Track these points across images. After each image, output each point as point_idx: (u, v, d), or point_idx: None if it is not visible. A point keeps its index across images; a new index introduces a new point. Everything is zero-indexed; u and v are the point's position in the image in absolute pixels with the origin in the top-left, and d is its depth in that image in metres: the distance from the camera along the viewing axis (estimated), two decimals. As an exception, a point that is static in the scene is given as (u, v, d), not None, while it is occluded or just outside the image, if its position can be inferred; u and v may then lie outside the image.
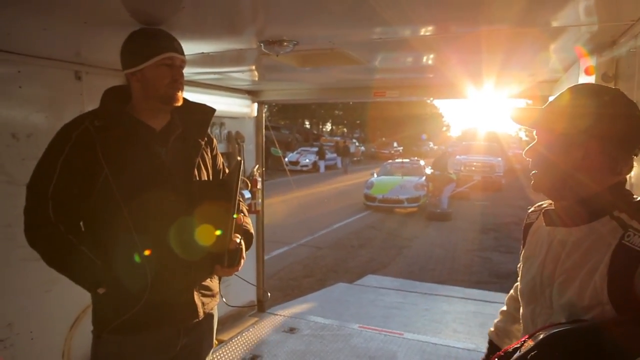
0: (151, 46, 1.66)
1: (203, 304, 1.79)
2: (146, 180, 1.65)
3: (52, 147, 1.65)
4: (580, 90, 1.21)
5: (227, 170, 1.97)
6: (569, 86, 1.21)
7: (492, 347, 1.58)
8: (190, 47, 2.38)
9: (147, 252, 1.62)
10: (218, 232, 1.64)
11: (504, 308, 1.59)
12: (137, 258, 1.62)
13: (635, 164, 1.15)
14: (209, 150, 1.88)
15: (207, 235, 1.64)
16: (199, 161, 1.79)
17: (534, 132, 1.23)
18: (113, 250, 1.65)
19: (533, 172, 1.22)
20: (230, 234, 1.66)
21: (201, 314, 1.78)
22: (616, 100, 1.12)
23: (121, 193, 1.60)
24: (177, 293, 1.71)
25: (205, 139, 1.86)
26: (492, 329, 1.61)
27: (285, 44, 2.11)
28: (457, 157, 21.89)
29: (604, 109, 1.10)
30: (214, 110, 1.89)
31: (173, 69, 1.68)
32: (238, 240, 1.70)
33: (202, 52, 2.45)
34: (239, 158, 1.88)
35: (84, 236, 1.69)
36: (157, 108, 1.73)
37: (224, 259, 1.67)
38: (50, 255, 1.64)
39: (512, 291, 1.58)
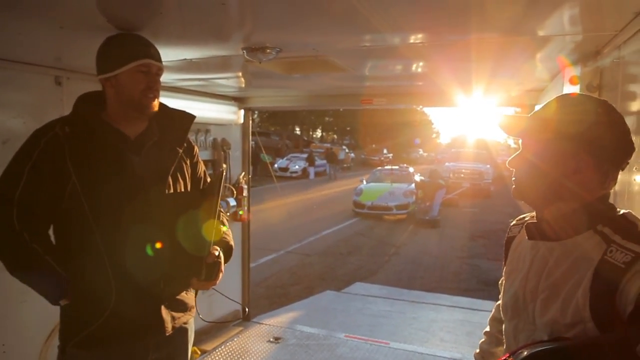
0: (127, 52, 1.61)
1: (173, 318, 1.72)
2: (115, 190, 1.59)
3: (20, 152, 1.59)
4: (570, 100, 1.19)
5: (208, 179, 1.91)
6: (556, 95, 1.19)
7: None
8: (173, 54, 2.35)
9: (113, 264, 1.57)
10: (194, 245, 1.59)
11: (488, 329, 1.56)
12: (102, 269, 1.57)
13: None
14: (188, 159, 1.82)
15: (180, 248, 1.59)
16: (174, 170, 1.73)
17: (520, 141, 1.20)
18: (79, 261, 1.59)
19: (514, 178, 1.20)
20: (209, 246, 1.61)
21: (169, 329, 1.70)
22: (608, 112, 1.10)
23: (89, 203, 1.54)
24: (142, 306, 1.64)
25: (185, 146, 1.80)
26: (477, 350, 1.58)
27: (268, 50, 2.07)
28: (446, 164, 22.01)
29: (596, 121, 1.08)
30: (193, 116, 1.84)
31: (149, 76, 1.64)
32: (217, 253, 1.65)
33: (185, 59, 2.41)
34: (223, 167, 1.83)
35: (50, 246, 1.64)
36: (132, 115, 1.67)
37: (201, 272, 1.61)
38: (13, 264, 1.58)
39: (493, 311, 1.55)
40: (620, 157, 1.10)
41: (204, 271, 1.61)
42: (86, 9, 1.56)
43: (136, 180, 1.63)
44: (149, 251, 1.60)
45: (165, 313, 1.69)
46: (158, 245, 1.61)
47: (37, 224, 1.60)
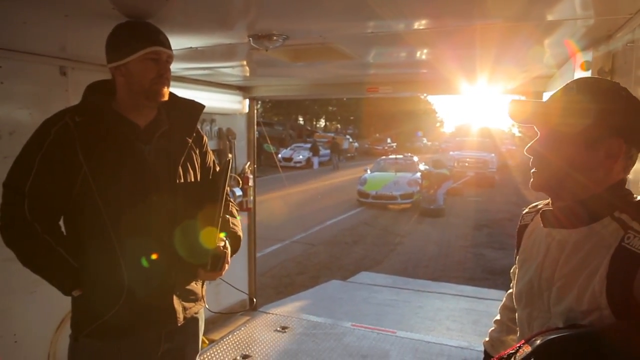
0: (136, 39, 1.59)
1: (184, 308, 1.73)
2: (127, 180, 1.58)
3: (31, 142, 1.58)
4: (588, 85, 1.14)
5: (217, 168, 1.90)
6: (565, 82, 1.15)
7: (487, 358, 1.54)
8: (178, 42, 2.32)
9: (125, 254, 1.57)
10: (202, 236, 1.58)
11: (498, 317, 1.55)
12: (115, 260, 1.56)
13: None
14: (197, 148, 1.81)
15: (191, 238, 1.59)
16: (184, 160, 1.72)
17: (535, 128, 1.16)
18: (91, 251, 1.59)
19: (533, 170, 1.16)
20: (215, 237, 1.60)
21: (181, 319, 1.71)
22: (630, 95, 1.07)
23: (100, 192, 1.54)
24: (155, 297, 1.64)
25: (194, 135, 1.79)
26: (487, 339, 1.56)
27: (274, 38, 2.05)
28: (451, 153, 21.92)
29: (621, 104, 1.05)
30: (203, 106, 1.83)
31: (159, 64, 1.62)
32: (223, 244, 1.65)
33: (191, 47, 2.39)
34: (229, 157, 1.81)
35: (62, 236, 1.63)
36: (142, 104, 1.66)
37: (207, 263, 1.61)
38: (25, 255, 1.58)
39: (504, 300, 1.54)
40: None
41: (209, 262, 1.61)
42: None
43: (147, 170, 1.62)
44: (161, 241, 1.60)
45: (177, 303, 1.69)
46: (169, 235, 1.60)
47: (49, 214, 1.60)
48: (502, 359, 1.08)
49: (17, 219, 1.54)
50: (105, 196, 1.54)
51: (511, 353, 1.06)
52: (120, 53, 1.59)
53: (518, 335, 1.28)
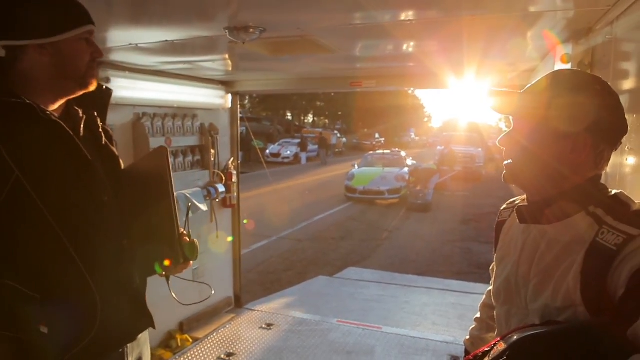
0: (73, 13, 1.33)
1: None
2: (72, 181, 1.35)
3: None
4: (565, 77, 1.14)
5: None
6: (548, 72, 1.14)
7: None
8: (154, 35, 2.27)
9: (91, 269, 1.33)
10: (159, 228, 1.49)
11: (478, 315, 1.54)
12: (82, 280, 1.32)
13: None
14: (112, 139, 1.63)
15: (146, 233, 1.50)
16: (113, 151, 1.55)
17: (511, 119, 1.15)
18: (47, 275, 1.30)
19: (507, 162, 1.15)
20: (178, 227, 1.49)
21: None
22: (604, 90, 1.06)
23: (44, 201, 1.25)
24: (130, 307, 1.50)
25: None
26: (467, 337, 1.55)
27: (251, 30, 2.01)
28: (438, 147, 21.99)
29: (594, 99, 1.03)
30: (111, 90, 1.63)
31: (91, 45, 1.38)
32: (185, 232, 1.55)
33: (167, 40, 2.34)
34: (164, 144, 1.64)
35: (1, 265, 1.26)
36: (65, 92, 1.39)
37: (178, 256, 1.48)
38: None
39: (484, 297, 1.52)
40: (616, 137, 1.07)
41: (181, 253, 1.48)
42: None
43: (91, 168, 1.40)
44: (121, 245, 1.46)
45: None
46: (127, 235, 1.48)
47: None
48: (477, 356, 1.06)
49: None
50: (52, 205, 1.27)
51: (486, 351, 1.05)
52: (51, 27, 1.29)
53: (496, 332, 1.26)
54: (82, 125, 1.44)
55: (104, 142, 1.52)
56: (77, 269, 1.31)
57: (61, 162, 1.33)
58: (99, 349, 1.38)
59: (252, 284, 6.60)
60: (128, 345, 1.53)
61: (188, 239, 1.53)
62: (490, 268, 1.37)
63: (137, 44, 2.43)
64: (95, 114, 1.54)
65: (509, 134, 1.15)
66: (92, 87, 1.41)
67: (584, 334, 0.93)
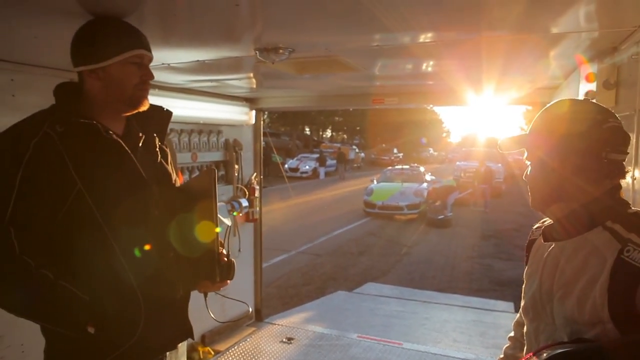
0: (120, 40, 1.43)
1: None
2: (127, 196, 1.45)
3: (2, 160, 1.32)
4: (567, 104, 1.21)
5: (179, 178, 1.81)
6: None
7: None
8: (185, 55, 2.36)
9: (137, 277, 1.44)
10: (197, 245, 1.57)
11: (512, 334, 1.55)
12: (129, 287, 1.43)
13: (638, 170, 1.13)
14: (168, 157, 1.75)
15: (198, 249, 1.59)
16: (169, 171, 1.66)
17: (524, 157, 1.24)
18: (97, 280, 1.40)
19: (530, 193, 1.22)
20: (218, 246, 1.58)
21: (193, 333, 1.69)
22: (601, 110, 1.14)
23: (101, 212, 1.37)
24: (171, 317, 1.58)
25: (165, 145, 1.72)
26: (501, 355, 1.57)
27: (280, 51, 2.08)
28: (457, 163, 21.83)
29: (593, 117, 1.11)
30: (171, 113, 1.73)
31: (142, 69, 1.48)
32: (225, 252, 1.63)
33: (198, 60, 2.42)
34: (212, 166, 1.76)
35: (58, 268, 1.36)
36: (119, 111, 1.51)
37: (214, 275, 1.58)
38: (21, 302, 1.31)
39: (517, 316, 1.54)
40: (620, 145, 1.11)
41: (217, 272, 1.58)
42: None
43: (143, 183, 1.51)
44: (167, 257, 1.56)
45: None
46: (172, 249, 1.57)
47: (39, 244, 1.34)
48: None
49: (3, 256, 1.28)
50: (107, 215, 1.38)
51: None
52: (100, 54, 1.41)
53: (525, 349, 1.28)
54: (140, 144, 1.55)
55: (159, 161, 1.63)
56: (126, 276, 1.42)
57: (119, 178, 1.45)
58: (141, 353, 1.47)
59: (272, 297, 6.62)
60: (167, 353, 1.61)
61: (226, 259, 1.60)
62: (524, 286, 1.40)
63: (169, 64, 2.52)
64: (155, 134, 1.65)
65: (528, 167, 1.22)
66: (143, 107, 1.52)
67: (612, 353, 0.95)
